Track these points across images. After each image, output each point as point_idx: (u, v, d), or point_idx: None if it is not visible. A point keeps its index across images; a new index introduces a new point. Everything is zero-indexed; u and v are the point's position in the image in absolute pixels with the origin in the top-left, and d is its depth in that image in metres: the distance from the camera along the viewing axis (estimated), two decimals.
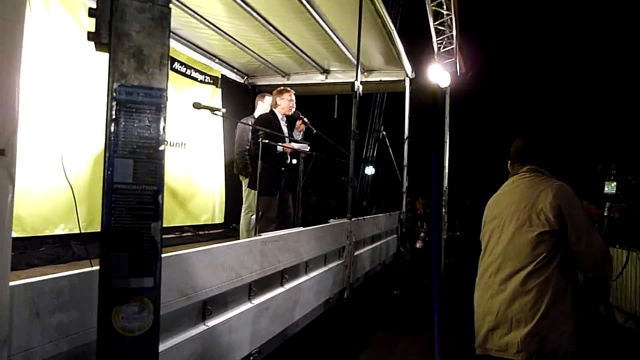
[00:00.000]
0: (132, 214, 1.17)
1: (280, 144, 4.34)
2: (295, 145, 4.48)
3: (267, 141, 4.07)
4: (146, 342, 1.20)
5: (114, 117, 1.16)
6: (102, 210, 1.16)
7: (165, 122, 1.21)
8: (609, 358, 3.94)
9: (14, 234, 4.45)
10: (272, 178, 4.27)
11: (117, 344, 1.17)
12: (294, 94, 4.64)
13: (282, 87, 4.72)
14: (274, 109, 4.61)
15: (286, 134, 4.51)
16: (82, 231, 4.35)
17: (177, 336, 1.82)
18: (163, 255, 1.76)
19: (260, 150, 4.01)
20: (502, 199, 2.36)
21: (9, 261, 1.03)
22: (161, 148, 1.18)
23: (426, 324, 5.30)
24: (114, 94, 1.17)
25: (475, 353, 2.26)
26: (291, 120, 4.69)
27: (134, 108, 1.17)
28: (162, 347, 1.73)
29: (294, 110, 4.58)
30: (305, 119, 4.61)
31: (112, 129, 1.15)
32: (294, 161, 4.78)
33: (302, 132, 4.69)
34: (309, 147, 4.56)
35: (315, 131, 4.64)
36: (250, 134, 4.80)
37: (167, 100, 1.22)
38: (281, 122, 4.56)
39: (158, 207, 1.20)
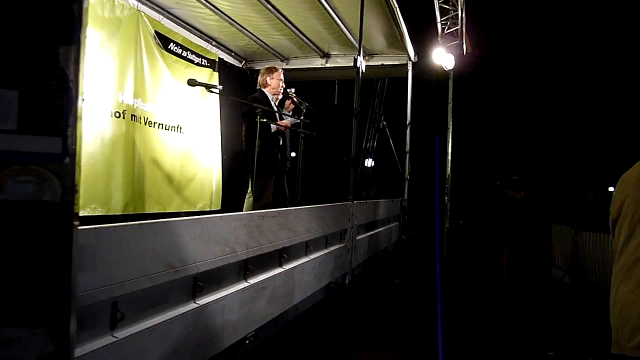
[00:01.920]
0: (23, 28, 0.67)
1: (274, 122, 4.14)
2: (288, 120, 4.30)
3: (264, 120, 3.89)
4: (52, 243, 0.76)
5: None
6: None
7: None
8: None
9: None
10: (265, 161, 4.05)
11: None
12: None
13: (270, 66, 4.51)
14: (263, 89, 4.42)
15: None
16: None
17: (164, 313, 1.65)
18: (149, 222, 1.59)
19: (259, 131, 3.83)
20: None
21: None
22: None
23: (429, 315, 5.13)
24: None
25: (613, 351, 1.92)
26: (282, 102, 4.50)
27: None
28: (147, 324, 1.56)
29: (282, 90, 4.40)
30: (295, 98, 4.40)
31: None
32: (293, 154, 4.59)
33: (291, 112, 4.50)
34: (299, 120, 4.37)
35: (305, 108, 4.40)
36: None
37: None
38: (272, 102, 4.36)
39: (73, 19, 0.70)
